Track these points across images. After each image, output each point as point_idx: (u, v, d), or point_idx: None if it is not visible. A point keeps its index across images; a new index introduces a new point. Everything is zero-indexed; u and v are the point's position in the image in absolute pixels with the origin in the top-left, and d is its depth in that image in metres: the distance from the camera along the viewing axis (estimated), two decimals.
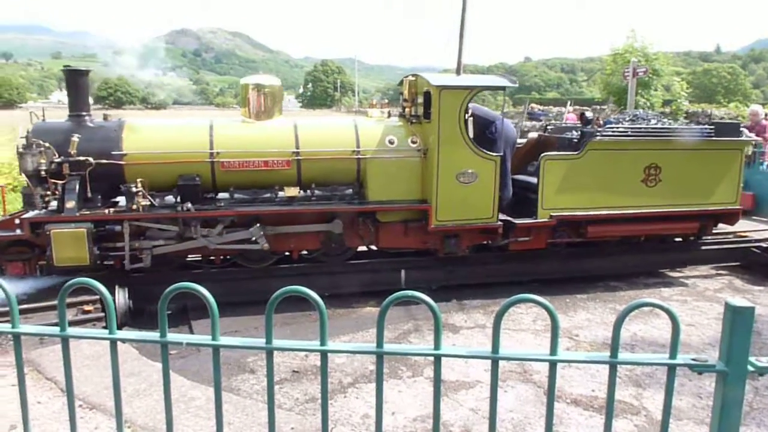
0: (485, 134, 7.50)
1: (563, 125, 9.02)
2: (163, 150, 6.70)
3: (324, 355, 1.51)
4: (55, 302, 5.78)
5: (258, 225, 6.80)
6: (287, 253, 7.49)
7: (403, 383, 5.03)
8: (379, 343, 1.49)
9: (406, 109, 7.64)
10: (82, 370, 4.46)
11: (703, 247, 8.75)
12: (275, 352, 1.78)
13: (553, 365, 1.53)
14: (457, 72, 27.86)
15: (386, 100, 8.35)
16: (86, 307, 6.08)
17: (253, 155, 6.90)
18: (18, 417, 3.94)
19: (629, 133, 7.69)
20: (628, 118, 8.40)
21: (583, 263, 8.18)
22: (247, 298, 6.56)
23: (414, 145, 7.26)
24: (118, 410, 1.61)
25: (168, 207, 6.69)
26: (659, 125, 8.00)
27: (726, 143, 7.90)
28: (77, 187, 6.41)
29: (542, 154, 7.48)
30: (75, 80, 6.87)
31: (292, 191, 6.97)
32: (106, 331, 1.72)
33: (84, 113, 6.85)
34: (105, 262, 6.78)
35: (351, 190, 7.22)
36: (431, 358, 5.16)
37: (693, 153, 7.77)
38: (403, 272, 7.42)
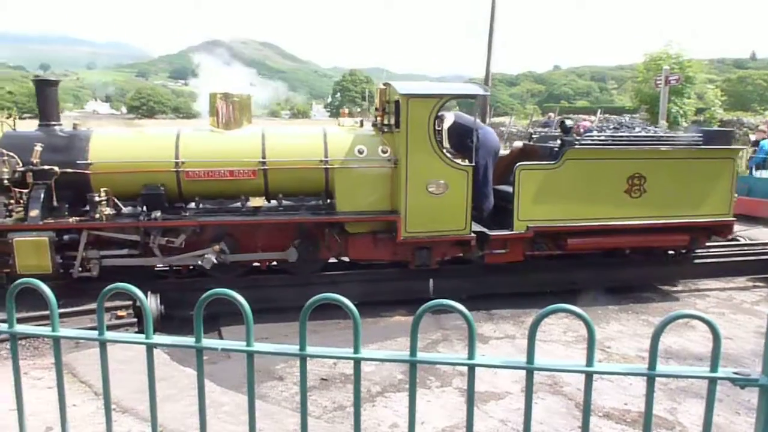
0: (465, 143, 7.35)
1: (548, 134, 8.76)
2: (128, 159, 6.73)
3: (357, 362, 1.51)
4: (87, 307, 5.92)
5: (212, 252, 6.69)
6: (256, 264, 7.36)
7: (431, 393, 5.00)
8: (413, 352, 1.48)
9: (378, 118, 7.50)
10: (114, 374, 4.48)
11: (737, 258, 8.57)
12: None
13: (589, 377, 1.50)
14: (486, 81, 27.78)
15: (358, 109, 8.10)
16: (120, 312, 6.18)
17: (219, 165, 6.84)
18: (53, 419, 4.02)
19: (609, 141, 7.47)
20: (612, 126, 8.18)
21: (614, 273, 8.04)
22: (275, 305, 6.60)
23: (384, 155, 7.10)
24: (153, 414, 1.63)
25: (130, 216, 6.71)
26: (643, 133, 7.72)
27: (716, 152, 7.61)
28: (42, 195, 6.46)
29: (517, 164, 7.30)
30: (44, 90, 6.98)
31: (258, 201, 6.91)
32: (142, 335, 1.75)
33: (53, 123, 6.94)
34: (70, 271, 6.65)
35: (319, 201, 7.13)
36: (460, 369, 5.12)
37: (680, 162, 7.49)
38: (431, 281, 7.36)
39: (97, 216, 6.49)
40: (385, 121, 7.42)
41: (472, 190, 7.07)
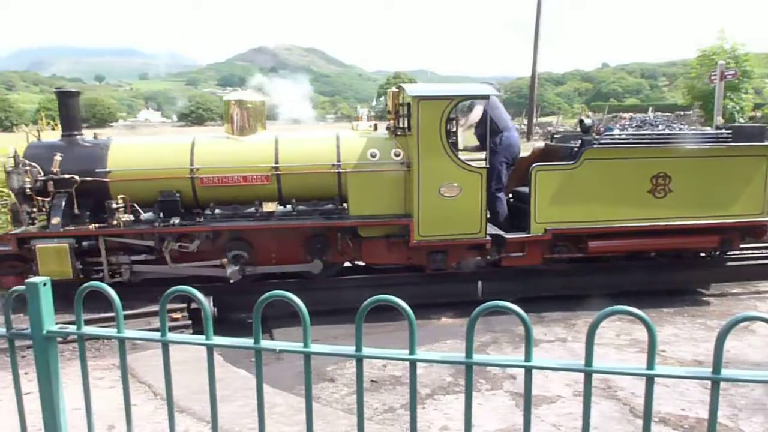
0: (488, 141, 7.31)
1: (569, 134, 8.51)
2: (145, 167, 6.88)
3: (413, 364, 1.51)
4: (142, 310, 6.11)
5: (235, 265, 6.79)
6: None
7: (482, 396, 4.96)
8: (468, 354, 1.48)
9: (391, 122, 7.45)
10: (172, 375, 4.66)
11: None
12: (351, 362, 1.81)
13: (650, 381, 1.47)
14: (532, 80, 27.44)
15: (373, 113, 8.00)
16: (174, 315, 6.35)
17: (232, 171, 6.93)
18: (115, 417, 4.16)
19: (630, 140, 7.20)
20: (635, 124, 7.91)
21: (674, 275, 7.81)
22: (324, 308, 6.64)
23: (397, 158, 7.05)
24: (214, 415, 1.67)
25: (145, 223, 6.84)
26: (667, 131, 7.44)
27: (746, 149, 7.23)
28: (63, 203, 6.65)
29: (533, 165, 7.13)
30: (65, 102, 7.18)
31: (270, 206, 6.98)
32: (201, 337, 1.80)
33: (75, 132, 7.12)
34: (92, 276, 6.80)
35: (332, 205, 7.14)
36: (510, 372, 5.07)
37: (708, 161, 7.15)
38: (480, 283, 7.31)
39: (115, 222, 6.67)
40: (399, 125, 7.36)
41: (485, 192, 6.97)
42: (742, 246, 8.00)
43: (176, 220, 6.73)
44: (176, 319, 6.32)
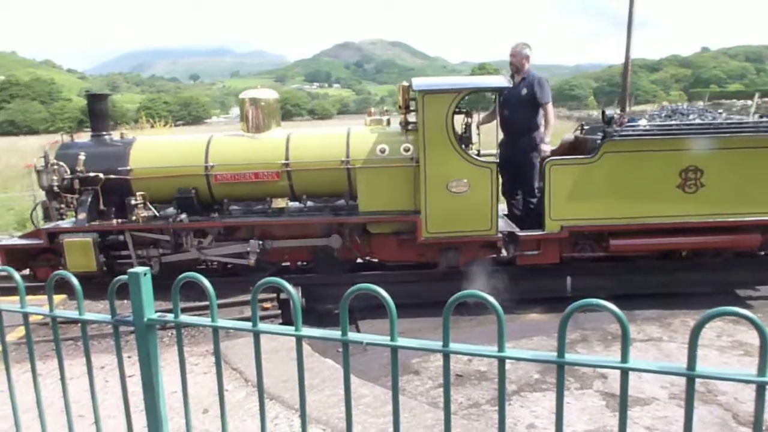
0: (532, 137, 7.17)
1: (598, 125, 7.93)
2: (163, 165, 7.16)
3: (502, 361, 1.48)
4: (231, 300, 6.38)
5: (255, 240, 7.01)
6: (285, 264, 7.55)
7: (570, 395, 4.82)
8: (560, 353, 1.42)
9: (402, 117, 7.24)
10: (262, 363, 4.82)
11: None
12: (436, 355, 1.79)
13: (761, 388, 1.36)
14: (625, 67, 26.24)
15: (385, 108, 7.75)
16: (265, 305, 6.57)
17: (244, 168, 7.07)
18: (209, 402, 4.36)
19: (655, 132, 6.63)
20: (664, 114, 7.22)
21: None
22: (410, 301, 6.64)
23: (407, 154, 6.91)
24: (303, 404, 1.70)
25: (162, 218, 7.13)
26: (698, 121, 6.77)
27: None
28: (89, 200, 7.08)
29: (547, 160, 6.76)
30: (94, 104, 7.65)
31: (281, 203, 7.10)
32: (290, 327, 1.84)
33: (104, 133, 7.56)
34: (118, 269, 7.21)
35: (343, 201, 7.12)
36: (600, 371, 4.89)
37: (746, 152, 6.51)
38: (569, 279, 7.09)
39: (134, 218, 7.03)
40: (409, 119, 7.18)
41: (496, 188, 6.78)
42: None
43: (183, 216, 7.06)
44: (266, 309, 6.53)
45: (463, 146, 6.82)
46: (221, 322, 1.85)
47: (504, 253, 7.11)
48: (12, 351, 5.27)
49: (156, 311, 1.90)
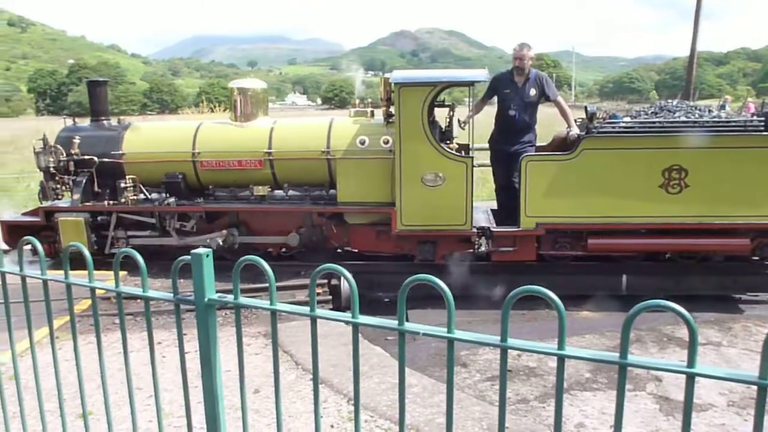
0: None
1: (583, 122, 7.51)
2: (153, 150, 7.43)
3: (561, 359, 1.45)
4: (286, 283, 6.48)
5: (225, 232, 7.24)
6: (269, 250, 7.63)
7: None
8: (623, 354, 1.39)
9: (383, 109, 7.21)
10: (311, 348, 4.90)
11: None
12: (484, 348, 1.77)
13: None
14: (690, 60, 25.21)
15: (369, 100, 7.72)
16: (318, 290, 6.65)
17: (228, 155, 7.28)
18: (260, 382, 4.46)
19: (636, 129, 6.32)
20: (650, 110, 6.78)
21: None
22: (458, 293, 6.61)
23: (386, 146, 6.95)
24: (356, 391, 1.72)
25: (149, 201, 7.38)
26: (683, 118, 6.39)
27: None
28: (84, 182, 7.44)
29: (523, 155, 6.57)
30: (94, 90, 7.97)
31: (261, 190, 7.22)
32: (343, 314, 1.85)
33: (102, 118, 7.89)
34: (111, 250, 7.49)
35: (323, 191, 7.23)
36: (655, 373, 4.75)
37: (734, 152, 6.19)
38: (624, 277, 6.91)
39: (123, 201, 7.30)
40: (392, 111, 7.06)
41: (471, 182, 6.65)
42: None
43: (171, 200, 7.28)
44: (318, 294, 6.62)
45: (447, 141, 6.90)
46: (279, 306, 1.88)
47: (478, 248, 7.05)
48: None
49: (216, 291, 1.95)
